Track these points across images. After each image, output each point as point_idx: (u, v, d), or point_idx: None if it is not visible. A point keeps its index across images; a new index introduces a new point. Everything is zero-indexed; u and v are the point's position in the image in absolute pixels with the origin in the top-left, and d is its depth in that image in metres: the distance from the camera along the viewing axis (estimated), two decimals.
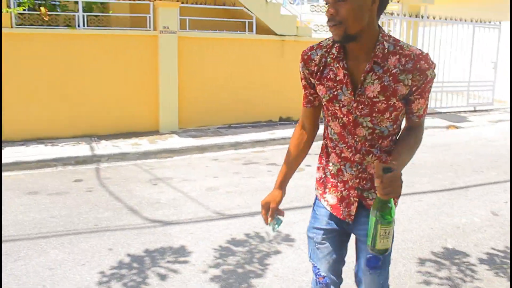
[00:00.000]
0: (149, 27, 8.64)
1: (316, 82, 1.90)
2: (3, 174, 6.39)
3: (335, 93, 1.84)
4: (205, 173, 6.42)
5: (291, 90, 9.50)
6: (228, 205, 5.16)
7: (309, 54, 1.91)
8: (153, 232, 4.43)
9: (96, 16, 8.67)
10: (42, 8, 8.01)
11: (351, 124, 1.85)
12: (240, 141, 8.11)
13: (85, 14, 8.35)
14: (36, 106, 7.94)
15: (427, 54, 1.76)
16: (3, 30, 7.65)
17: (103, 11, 9.23)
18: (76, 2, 8.36)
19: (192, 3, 9.25)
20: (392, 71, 1.74)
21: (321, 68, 1.87)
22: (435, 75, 1.77)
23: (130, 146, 7.55)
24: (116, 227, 4.53)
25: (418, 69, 1.73)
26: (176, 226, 4.56)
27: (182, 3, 8.93)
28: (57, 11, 8.57)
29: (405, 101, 1.81)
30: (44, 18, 8.03)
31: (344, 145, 1.91)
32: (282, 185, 2.16)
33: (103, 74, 8.28)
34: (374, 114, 1.80)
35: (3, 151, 7.16)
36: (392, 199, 1.63)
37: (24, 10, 7.76)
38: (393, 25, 11.17)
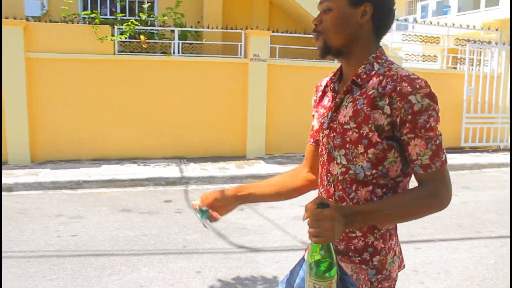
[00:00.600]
0: (240, 55, 8.88)
1: (315, 110, 1.66)
2: (101, 190, 6.78)
3: (322, 121, 1.56)
4: (291, 201, 6.35)
5: None
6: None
7: (321, 82, 1.70)
8: (239, 257, 4.45)
9: (190, 43, 9.06)
10: (141, 36, 8.50)
11: (326, 159, 1.53)
12: None
13: (180, 42, 8.76)
14: (131, 127, 8.39)
15: (418, 77, 1.38)
16: (106, 56, 8.21)
17: (197, 39, 9.64)
18: (173, 31, 8.80)
19: (282, 32, 9.40)
20: (369, 93, 1.41)
21: (323, 94, 1.64)
22: (429, 104, 1.34)
23: (217, 170, 7.71)
24: (203, 250, 4.61)
25: (397, 92, 1.34)
26: (262, 254, 4.55)
27: (273, 31, 9.11)
28: (155, 39, 9.05)
29: (397, 144, 1.41)
30: (143, 45, 8.51)
31: (322, 189, 1.57)
32: (238, 191, 1.73)
33: (194, 98, 8.60)
34: (347, 146, 1.45)
35: (100, 168, 7.59)
36: (329, 245, 1.26)
37: (126, 38, 8.29)
38: (490, 54, 10.66)
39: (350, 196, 1.46)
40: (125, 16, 9.60)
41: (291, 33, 9.51)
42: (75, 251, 4.50)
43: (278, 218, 5.62)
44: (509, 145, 9.86)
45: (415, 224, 5.42)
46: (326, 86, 1.63)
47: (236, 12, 10.74)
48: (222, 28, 9.42)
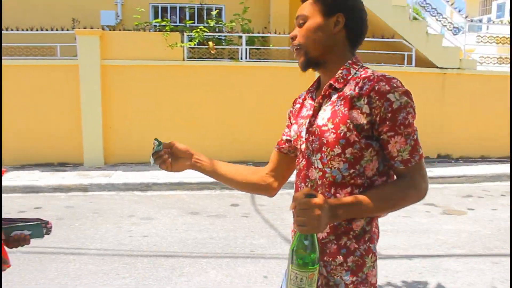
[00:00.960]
0: None
1: (293, 122, 1.69)
2: (169, 192, 6.98)
3: (301, 129, 1.58)
4: None
5: (452, 126, 8.98)
6: (383, 244, 4.95)
7: (299, 95, 1.75)
8: None
9: (257, 49, 9.14)
10: (210, 43, 8.68)
11: (304, 165, 1.54)
12: None
13: (248, 47, 8.86)
14: (199, 131, 8.58)
15: (394, 77, 1.42)
16: (175, 62, 8.45)
17: (264, 44, 9.71)
18: (240, 37, 8.92)
19: None
20: (346, 94, 1.44)
21: (301, 106, 1.67)
22: (407, 101, 1.39)
23: None
24: (270, 255, 4.61)
25: (376, 91, 1.38)
26: None
27: None
28: (223, 45, 9.21)
29: (375, 143, 1.43)
30: (212, 51, 8.69)
31: None
32: (197, 156, 1.74)
33: (261, 103, 8.67)
34: (323, 148, 1.46)
35: None
36: (313, 236, 1.29)
37: (194, 44, 8.50)
38: None
39: None
40: (194, 23, 9.85)
41: None
42: (146, 251, 4.65)
43: None
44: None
45: (492, 237, 5.16)
46: (304, 98, 1.67)
47: None
48: (289, 33, 9.41)
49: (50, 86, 8.44)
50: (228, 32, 9.23)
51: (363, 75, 1.46)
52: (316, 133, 1.49)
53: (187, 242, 4.92)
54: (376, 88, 1.39)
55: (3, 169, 2.03)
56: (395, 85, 1.39)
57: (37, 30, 8.78)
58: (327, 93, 1.51)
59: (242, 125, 8.67)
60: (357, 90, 1.42)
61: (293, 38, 1.55)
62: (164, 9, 10.78)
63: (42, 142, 8.51)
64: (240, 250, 4.72)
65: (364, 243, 1.47)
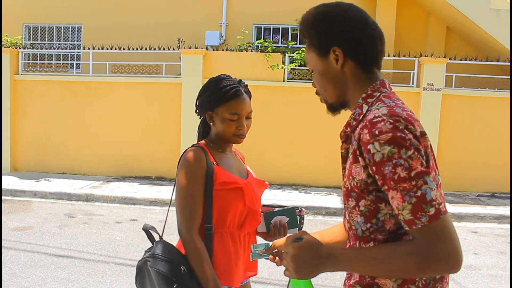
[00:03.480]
0: (412, 84, 8.40)
1: None
2: None
3: None
4: (463, 247, 5.69)
5: None
6: None
7: None
8: None
9: None
10: None
11: None
12: (505, 214, 7.06)
13: None
14: (295, 152, 8.42)
15: (383, 119, 1.18)
16: (276, 83, 8.42)
17: None
18: None
19: (461, 59, 8.67)
20: (353, 142, 1.29)
21: None
22: (391, 152, 1.15)
23: None
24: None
25: (361, 141, 1.22)
26: None
27: (450, 59, 8.45)
28: None
29: (384, 197, 1.24)
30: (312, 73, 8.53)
31: None
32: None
33: None
34: (345, 201, 1.34)
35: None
36: (306, 282, 1.29)
37: (295, 66, 8.41)
38: None
39: None
40: (296, 44, 9.79)
41: (470, 60, 8.72)
42: None
43: None
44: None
45: None
46: None
47: (409, 38, 10.24)
48: (394, 56, 9.03)
49: (154, 103, 8.78)
50: None
51: (368, 116, 1.25)
52: (342, 184, 1.38)
53: (273, 268, 4.74)
54: (361, 137, 1.23)
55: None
56: (376, 132, 1.17)
57: (146, 49, 9.21)
58: (343, 139, 1.39)
59: (331, 148, 8.38)
60: (357, 138, 1.26)
61: (313, 85, 1.46)
62: (267, 30, 10.86)
63: (143, 156, 8.84)
64: (330, 282, 4.45)
65: None
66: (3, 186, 7.47)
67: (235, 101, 1.90)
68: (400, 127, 1.17)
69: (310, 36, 1.38)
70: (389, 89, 1.35)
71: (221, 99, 1.90)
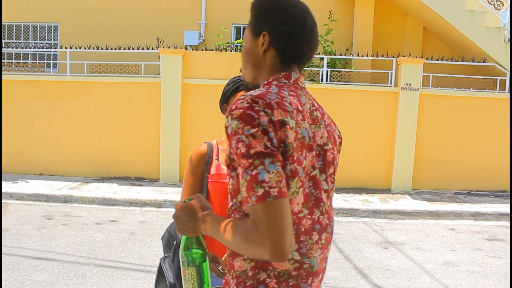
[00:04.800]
0: (390, 83, 8.49)
1: None
2: None
3: None
4: (442, 244, 5.81)
5: None
6: (471, 287, 4.50)
7: None
8: None
9: (338, 71, 8.92)
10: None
11: None
12: (481, 211, 7.21)
13: (329, 69, 8.65)
14: None
15: (245, 97, 1.22)
16: None
17: (345, 66, 9.46)
18: (322, 58, 8.74)
19: (437, 59, 8.81)
20: None
21: None
22: (237, 126, 1.18)
23: (360, 203, 7.37)
24: None
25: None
26: None
27: (427, 59, 8.58)
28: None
29: None
30: None
31: None
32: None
33: (339, 127, 8.38)
34: None
35: None
36: (198, 238, 1.38)
37: None
38: None
39: None
40: None
41: (446, 60, 8.87)
42: None
43: (426, 262, 5.11)
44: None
45: None
46: None
47: (387, 39, 10.36)
48: (372, 56, 9.13)
49: (133, 103, 8.70)
50: None
51: None
52: None
53: None
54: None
55: None
56: (233, 107, 1.21)
57: (124, 49, 9.13)
58: None
59: None
60: None
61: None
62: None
63: (122, 156, 8.75)
64: None
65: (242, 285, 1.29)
66: None
67: (240, 92, 2.00)
68: (255, 108, 1.19)
69: (251, 15, 1.44)
70: (290, 82, 1.35)
71: (228, 91, 2.03)
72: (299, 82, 1.38)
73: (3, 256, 4.79)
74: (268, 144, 1.16)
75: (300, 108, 1.29)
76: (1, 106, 8.60)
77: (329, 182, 1.40)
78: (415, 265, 5.02)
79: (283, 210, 1.14)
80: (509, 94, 8.41)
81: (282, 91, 1.29)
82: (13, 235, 5.52)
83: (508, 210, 7.23)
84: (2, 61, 9.36)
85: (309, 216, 1.30)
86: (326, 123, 1.43)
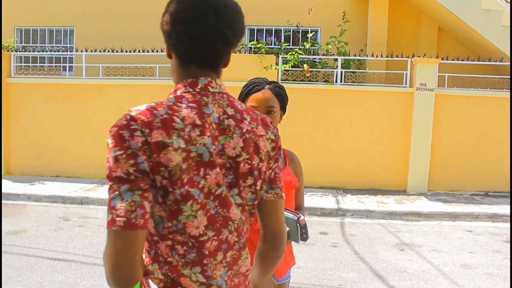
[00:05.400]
0: (405, 84, 8.43)
1: None
2: None
3: None
4: (459, 246, 5.75)
5: None
6: None
7: None
8: None
9: (353, 72, 8.88)
10: (305, 65, 8.55)
11: None
12: (499, 213, 7.11)
13: (343, 70, 8.62)
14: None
15: (127, 113, 1.15)
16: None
17: (359, 67, 9.42)
18: (336, 59, 8.70)
19: (453, 59, 8.72)
20: None
21: None
22: (108, 143, 1.15)
23: (375, 204, 7.32)
24: None
25: None
26: None
27: (442, 59, 8.50)
28: (317, 68, 9.04)
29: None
30: (306, 74, 8.55)
31: None
32: None
33: (354, 128, 8.37)
34: None
35: None
36: None
37: (289, 67, 8.42)
38: None
39: None
40: (289, 45, 9.81)
41: (462, 60, 8.78)
42: None
43: (443, 264, 5.06)
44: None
45: None
46: None
47: (402, 39, 10.29)
48: (386, 56, 9.07)
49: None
50: (323, 55, 9.06)
51: None
52: None
53: None
54: None
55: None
56: (114, 123, 1.15)
57: (139, 51, 9.18)
58: None
59: (333, 149, 8.40)
60: None
61: None
62: (260, 31, 10.87)
63: None
64: (328, 282, 4.45)
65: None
66: None
67: (254, 93, 2.16)
68: (132, 126, 1.12)
69: None
70: (196, 90, 1.25)
71: (241, 95, 2.20)
72: (209, 87, 1.27)
73: (21, 257, 4.85)
74: (131, 170, 1.10)
75: (198, 122, 1.18)
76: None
77: (248, 193, 1.29)
78: (432, 267, 4.97)
79: (125, 242, 1.09)
80: None
81: (178, 103, 1.20)
82: (31, 236, 5.59)
83: None
84: (19, 65, 9.48)
85: (215, 238, 1.23)
86: (244, 130, 1.28)
